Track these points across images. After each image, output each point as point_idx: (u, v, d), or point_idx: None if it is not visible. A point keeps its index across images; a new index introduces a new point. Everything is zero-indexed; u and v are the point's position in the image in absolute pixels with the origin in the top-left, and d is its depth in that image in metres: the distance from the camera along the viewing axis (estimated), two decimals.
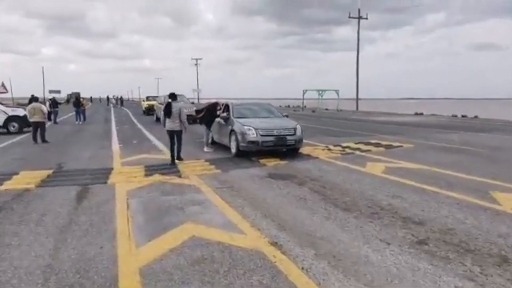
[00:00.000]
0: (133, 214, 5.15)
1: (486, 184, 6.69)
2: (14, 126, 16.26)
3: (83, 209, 5.42)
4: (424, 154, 10.30)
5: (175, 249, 3.93)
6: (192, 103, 25.83)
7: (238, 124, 9.88)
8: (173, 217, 5.02)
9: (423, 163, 8.67)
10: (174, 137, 9.04)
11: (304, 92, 48.40)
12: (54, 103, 22.77)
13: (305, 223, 4.72)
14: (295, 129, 9.84)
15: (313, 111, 41.42)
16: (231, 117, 10.47)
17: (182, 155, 9.19)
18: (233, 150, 9.96)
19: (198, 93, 71.88)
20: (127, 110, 41.50)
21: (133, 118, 28.35)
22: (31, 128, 13.53)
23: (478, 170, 7.93)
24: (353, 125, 21.82)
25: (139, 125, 21.19)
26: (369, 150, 10.85)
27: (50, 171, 8.01)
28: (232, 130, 10.02)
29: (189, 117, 9.53)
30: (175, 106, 9.07)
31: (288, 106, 55.64)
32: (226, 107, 11.08)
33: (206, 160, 9.23)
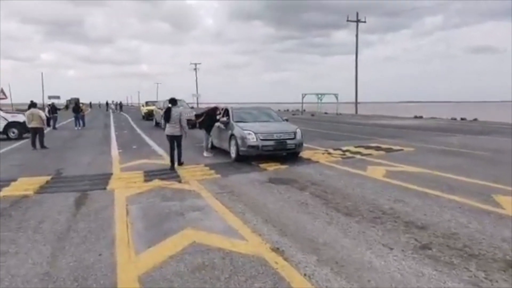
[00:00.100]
0: (132, 220, 5.09)
1: (487, 188, 6.64)
2: (14, 132, 16.18)
3: (82, 215, 5.36)
4: (424, 157, 10.25)
5: (175, 256, 3.87)
6: (192, 108, 25.82)
7: (238, 129, 9.84)
8: (173, 223, 4.96)
9: (424, 167, 8.63)
10: (174, 142, 9.00)
11: (303, 96, 48.47)
12: (53, 109, 22.73)
13: (307, 228, 4.66)
14: (295, 133, 9.81)
15: (312, 115, 41.47)
16: (231, 121, 10.43)
17: (181, 160, 9.15)
18: (233, 154, 9.91)
19: (197, 98, 71.92)
20: (126, 115, 41.48)
21: (132, 123, 28.32)
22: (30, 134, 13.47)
23: (479, 173, 7.89)
24: (353, 128, 21.80)
25: (138, 130, 21.16)
26: (369, 154, 10.81)
27: (49, 177, 7.95)
28: (232, 135, 9.98)
29: (188, 121, 9.52)
30: (175, 111, 9.04)
31: (287, 110, 55.70)
32: (226, 112, 11.04)
33: (206, 165, 9.17)
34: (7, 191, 6.74)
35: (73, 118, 24.28)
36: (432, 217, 5.07)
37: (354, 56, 43.81)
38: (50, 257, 3.94)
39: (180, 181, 7.45)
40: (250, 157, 9.56)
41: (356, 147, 12.29)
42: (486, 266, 3.59)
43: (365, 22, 43.68)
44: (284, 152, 9.79)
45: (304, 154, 10.50)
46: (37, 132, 12.96)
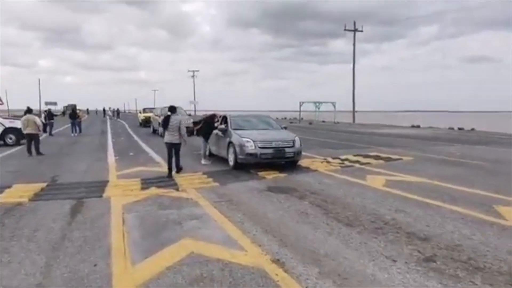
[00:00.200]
0: (128, 229, 4.98)
1: (489, 198, 6.58)
2: (11, 138, 15.98)
3: (77, 224, 5.24)
4: (424, 167, 10.20)
5: (172, 267, 3.76)
6: (189, 115, 25.75)
7: (236, 136, 9.77)
8: (171, 232, 4.85)
9: (424, 176, 8.57)
10: (172, 150, 8.93)
11: (301, 104, 48.56)
12: (49, 115, 22.58)
13: (308, 239, 4.56)
14: (293, 141, 9.74)
15: (310, 123, 41.50)
16: (229, 129, 10.36)
17: (180, 166, 9.07)
18: (231, 162, 9.82)
19: (195, 105, 71.92)
20: (124, 122, 41.34)
21: (129, 130, 28.19)
22: None
23: (479, 183, 7.83)
24: (351, 137, 21.77)
25: (135, 137, 21.04)
26: (368, 163, 10.74)
27: (44, 184, 7.82)
28: (230, 142, 9.90)
29: (186, 129, 9.46)
30: (175, 118, 8.97)
31: (285, 118, 55.72)
32: (224, 119, 10.98)
33: (204, 173, 9.07)
34: (1, 198, 6.60)
35: (69, 125, 24.13)
36: (434, 228, 4.98)
37: (351, 65, 44.03)
38: (44, 267, 3.82)
39: (177, 189, 7.34)
40: (249, 165, 9.47)
41: (354, 155, 12.23)
42: (492, 280, 3.50)
43: (362, 31, 43.97)
44: (282, 161, 9.70)
45: (303, 162, 10.42)
46: (32, 139, 12.81)
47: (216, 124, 10.95)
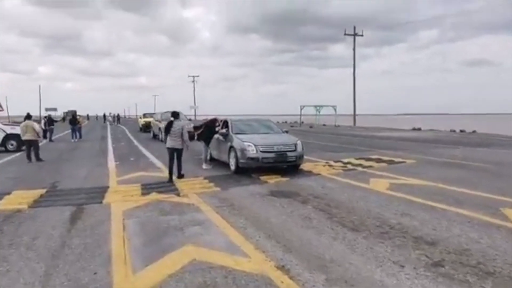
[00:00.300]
0: (129, 236, 4.88)
1: (494, 201, 6.48)
2: (12, 145, 15.88)
3: (77, 231, 5.14)
4: (427, 169, 10.11)
5: (174, 275, 3.66)
6: (190, 120, 25.70)
7: (237, 140, 9.69)
8: (172, 238, 4.76)
9: (428, 179, 8.47)
10: (174, 155, 8.87)
11: (302, 108, 48.58)
12: (49, 121, 22.52)
13: (313, 244, 4.47)
14: (295, 145, 9.65)
15: (311, 127, 41.45)
16: (230, 133, 10.29)
17: (182, 172, 9.00)
18: (233, 167, 9.73)
19: (195, 110, 71.95)
20: (124, 127, 41.31)
21: (129, 135, 28.14)
22: None
23: (484, 186, 7.73)
24: (352, 140, 21.69)
25: (135, 142, 20.97)
26: (371, 166, 10.65)
27: (44, 191, 7.73)
28: (231, 147, 9.82)
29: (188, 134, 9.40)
30: (177, 124, 8.95)
31: (285, 122, 55.69)
32: (225, 123, 10.91)
33: (205, 178, 8.98)
34: (0, 205, 6.51)
35: (70, 130, 24.08)
36: (441, 231, 4.89)
37: (351, 69, 44.05)
38: (43, 276, 3.73)
39: (178, 194, 7.25)
40: (250, 169, 9.38)
41: (357, 159, 12.14)
42: (504, 285, 3.41)
43: (362, 35, 44.03)
44: (284, 165, 9.62)
45: (305, 166, 10.33)
46: (31, 145, 12.74)
47: (217, 129, 10.88)
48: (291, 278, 3.56)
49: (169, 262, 3.97)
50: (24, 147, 15.15)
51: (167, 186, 8.13)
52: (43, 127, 21.62)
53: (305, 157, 10.31)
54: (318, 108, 47.97)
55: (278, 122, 46.72)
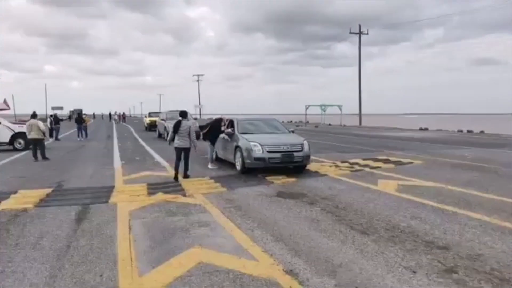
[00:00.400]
0: (135, 237, 4.83)
1: (507, 204, 6.34)
2: (20, 143, 15.92)
3: (83, 231, 5.10)
4: (435, 171, 9.97)
5: (181, 278, 3.60)
6: (195, 119, 25.67)
7: (243, 140, 9.61)
8: (179, 240, 4.70)
9: (437, 181, 8.34)
10: (182, 154, 8.86)
11: (307, 107, 48.40)
12: (55, 120, 22.60)
13: (321, 248, 4.38)
14: (302, 145, 9.55)
15: (316, 126, 41.28)
16: (236, 133, 10.21)
17: (188, 172, 8.98)
18: (238, 167, 9.66)
19: (200, 109, 72.04)
20: (129, 126, 41.42)
21: (135, 134, 28.18)
22: None
23: (495, 188, 7.59)
24: (358, 140, 21.54)
25: (141, 141, 20.97)
26: (378, 167, 10.53)
27: (50, 190, 7.71)
28: (237, 146, 9.74)
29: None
30: (185, 124, 8.94)
31: (290, 121, 55.54)
32: (231, 123, 10.83)
33: (211, 178, 8.92)
34: (6, 204, 6.49)
35: (76, 129, 24.16)
36: (453, 235, 4.78)
37: (356, 68, 43.89)
38: (48, 277, 3.68)
39: (184, 195, 7.20)
40: (256, 170, 9.30)
41: (364, 159, 12.02)
42: None
43: (367, 34, 43.80)
44: (291, 165, 9.53)
45: (311, 166, 10.24)
46: (36, 143, 12.77)
47: (222, 128, 10.81)
48: (300, 283, 3.48)
49: (175, 265, 3.91)
50: (31, 146, 15.22)
51: (173, 186, 8.08)
52: (49, 125, 21.73)
53: (311, 157, 10.22)
54: (323, 107, 47.76)
55: (283, 121, 46.63)
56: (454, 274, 3.67)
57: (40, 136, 12.83)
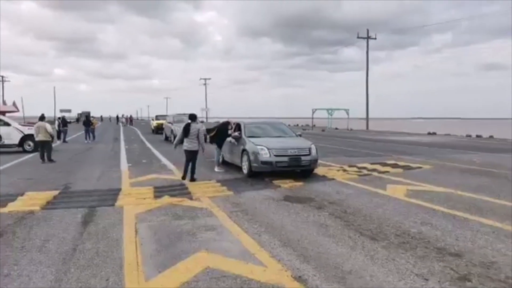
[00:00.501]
0: (142, 240, 4.78)
1: None
2: (29, 145, 16.00)
3: (89, 234, 5.07)
4: (445, 176, 9.82)
5: (188, 283, 3.54)
6: (202, 122, 25.72)
7: (250, 144, 9.56)
8: (185, 244, 4.64)
9: (447, 186, 8.21)
10: (191, 157, 8.94)
11: (314, 111, 48.24)
12: (63, 122, 22.75)
13: (330, 254, 4.30)
14: (309, 149, 9.47)
15: (323, 130, 41.11)
16: (243, 136, 10.16)
17: (194, 176, 8.98)
18: (245, 170, 9.60)
19: (206, 112, 72.25)
20: (136, 129, 41.59)
21: (142, 137, 28.26)
22: None
23: (507, 193, 7.45)
24: (366, 144, 21.37)
25: (148, 144, 21.01)
26: (387, 172, 10.41)
27: (57, 192, 7.71)
28: (244, 150, 9.69)
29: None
30: (194, 127, 9.00)
31: (297, 125, 55.39)
32: (238, 126, 10.79)
33: (218, 181, 8.87)
34: (13, 207, 6.49)
35: (83, 132, 24.30)
36: (465, 242, 4.67)
37: (362, 72, 43.70)
38: (53, 281, 3.64)
39: (191, 198, 7.15)
40: (263, 173, 9.24)
41: (372, 164, 11.88)
42: None
43: (375, 38, 43.63)
44: (298, 169, 9.44)
45: (319, 170, 10.15)
46: (44, 146, 12.84)
47: (229, 132, 10.77)
48: None
49: (182, 269, 3.86)
50: (39, 148, 15.30)
51: (180, 189, 8.04)
52: (57, 128, 21.87)
53: (318, 161, 10.13)
54: (330, 111, 47.59)
55: (289, 125, 46.52)
56: (468, 282, 3.57)
57: (47, 138, 12.91)
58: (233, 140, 10.56)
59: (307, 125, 51.08)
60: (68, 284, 3.57)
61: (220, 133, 10.85)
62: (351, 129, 42.64)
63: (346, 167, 11.12)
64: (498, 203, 6.71)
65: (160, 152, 16.13)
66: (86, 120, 23.85)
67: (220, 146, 10.86)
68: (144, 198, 7.13)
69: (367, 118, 44.09)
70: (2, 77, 69.37)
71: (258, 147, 9.23)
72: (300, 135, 11.03)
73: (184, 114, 22.10)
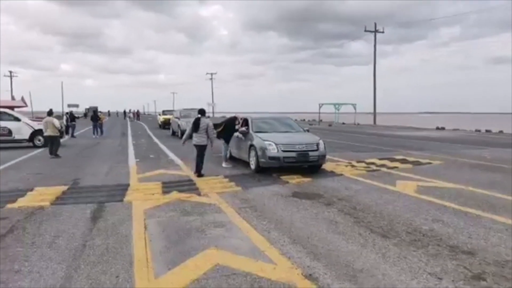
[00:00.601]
0: (151, 237, 4.77)
1: None
2: (39, 140, 16.11)
3: (98, 230, 5.07)
4: (455, 171, 9.70)
5: (197, 280, 3.52)
6: (208, 117, 25.72)
7: (257, 139, 9.51)
8: (194, 240, 4.63)
9: (457, 182, 8.10)
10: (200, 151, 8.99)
11: (320, 105, 47.99)
12: (71, 117, 22.88)
13: (341, 251, 4.25)
14: (317, 144, 9.40)
15: (330, 125, 40.91)
16: (251, 131, 10.12)
17: (202, 171, 8.99)
18: (253, 166, 9.56)
19: (213, 107, 72.23)
20: (144, 124, 41.75)
21: (149, 132, 28.36)
22: None
23: None
24: (373, 139, 21.22)
25: (155, 139, 21.06)
26: (396, 167, 10.30)
27: (66, 188, 7.74)
28: (251, 145, 9.65)
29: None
30: (203, 121, 9.04)
31: (303, 119, 55.18)
32: (245, 122, 10.74)
33: (225, 176, 8.85)
34: (22, 202, 6.53)
35: (91, 127, 24.43)
36: (478, 240, 4.59)
37: (368, 66, 43.38)
38: (64, 278, 3.64)
39: (199, 194, 7.14)
40: (271, 169, 9.19)
41: (380, 159, 11.79)
42: None
43: (383, 32, 43.18)
44: (306, 164, 9.38)
45: (327, 166, 10.08)
46: (52, 141, 12.92)
47: (237, 127, 10.73)
48: None
49: (192, 266, 3.84)
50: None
51: (188, 184, 8.03)
52: (65, 123, 22.00)
53: (326, 156, 10.05)
54: (337, 106, 47.31)
55: (296, 119, 46.40)
56: (482, 281, 3.51)
57: (55, 133, 13.00)
58: (240, 135, 10.53)
59: (314, 120, 50.88)
60: (78, 281, 3.57)
61: (227, 128, 10.81)
62: (358, 124, 42.38)
63: (354, 163, 11.04)
64: (510, 200, 6.59)
65: (168, 147, 16.16)
66: (94, 115, 23.96)
67: (227, 141, 10.83)
68: (153, 194, 7.13)
69: (374, 113, 43.77)
70: (11, 72, 69.95)
71: (266, 142, 9.18)
72: (307, 130, 10.96)
73: (191, 109, 22.07)
